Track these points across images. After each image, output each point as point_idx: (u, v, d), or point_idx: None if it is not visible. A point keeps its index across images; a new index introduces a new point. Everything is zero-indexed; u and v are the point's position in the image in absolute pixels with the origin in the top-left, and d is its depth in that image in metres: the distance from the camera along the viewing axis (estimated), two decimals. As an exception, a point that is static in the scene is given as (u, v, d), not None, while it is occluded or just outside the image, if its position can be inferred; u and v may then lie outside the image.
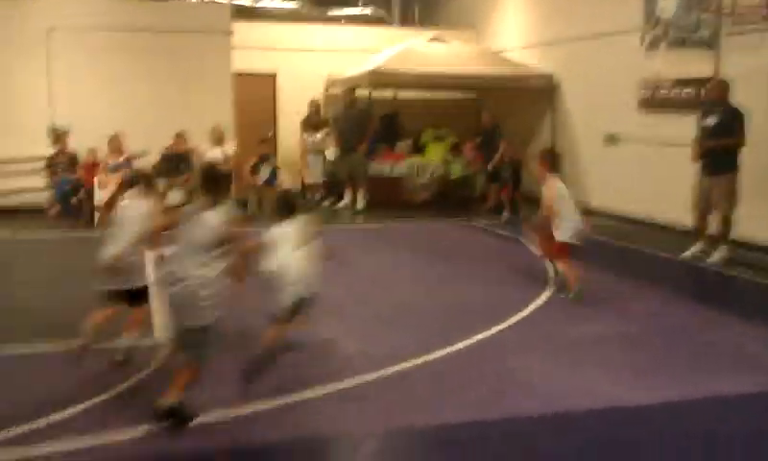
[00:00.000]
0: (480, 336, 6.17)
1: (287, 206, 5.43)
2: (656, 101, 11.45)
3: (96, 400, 4.81)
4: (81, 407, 4.68)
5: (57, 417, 4.53)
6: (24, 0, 12.98)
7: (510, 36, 15.75)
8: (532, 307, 7.07)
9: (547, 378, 5.29)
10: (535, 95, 14.42)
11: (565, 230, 7.34)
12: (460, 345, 5.94)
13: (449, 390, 5.09)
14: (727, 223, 9.03)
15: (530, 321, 6.72)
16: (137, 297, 5.56)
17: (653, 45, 11.51)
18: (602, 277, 8.38)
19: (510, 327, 6.50)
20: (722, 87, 9.18)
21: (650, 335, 6.35)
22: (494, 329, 6.36)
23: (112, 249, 5.42)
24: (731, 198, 8.92)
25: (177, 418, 4.37)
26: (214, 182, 4.67)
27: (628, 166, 11.89)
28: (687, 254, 9.26)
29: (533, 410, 4.76)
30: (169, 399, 4.38)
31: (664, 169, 11.01)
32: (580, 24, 13.22)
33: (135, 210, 5.53)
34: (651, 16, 11.52)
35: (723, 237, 9.09)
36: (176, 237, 4.57)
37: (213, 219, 4.50)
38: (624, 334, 6.37)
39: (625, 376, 5.36)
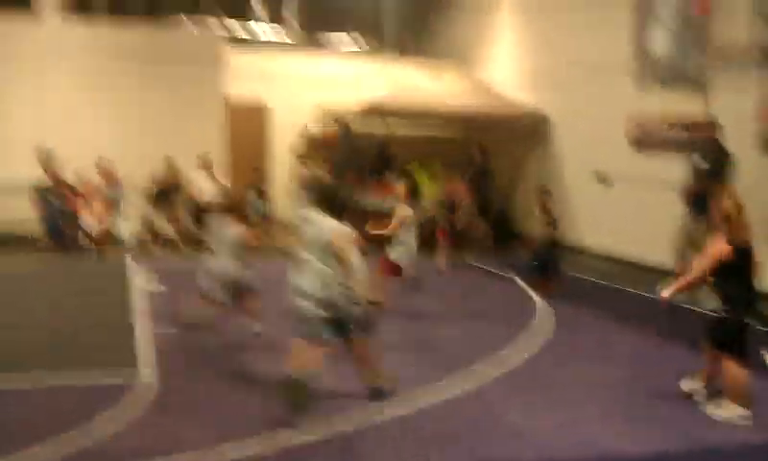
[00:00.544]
0: (468, 378, 6.15)
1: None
2: (648, 141, 11.51)
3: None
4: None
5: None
6: (20, 26, 12.98)
7: (501, 70, 15.79)
8: (519, 347, 7.06)
9: (538, 426, 5.25)
10: (526, 131, 14.45)
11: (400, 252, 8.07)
12: (447, 387, 5.92)
13: (434, 441, 5.03)
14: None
15: (518, 362, 6.70)
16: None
17: (644, 84, 11.56)
18: (591, 318, 8.39)
19: (498, 368, 6.47)
20: (710, 128, 9.29)
21: (641, 379, 6.34)
22: (483, 371, 6.35)
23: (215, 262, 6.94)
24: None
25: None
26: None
27: (619, 206, 11.90)
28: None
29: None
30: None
31: (656, 210, 11.01)
32: (570, 62, 13.23)
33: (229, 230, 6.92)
34: (642, 52, 11.60)
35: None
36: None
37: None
38: (615, 377, 6.35)
39: (617, 422, 5.34)
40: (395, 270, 8.23)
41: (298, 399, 5.13)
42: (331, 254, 5.20)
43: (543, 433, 5.12)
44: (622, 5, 11.92)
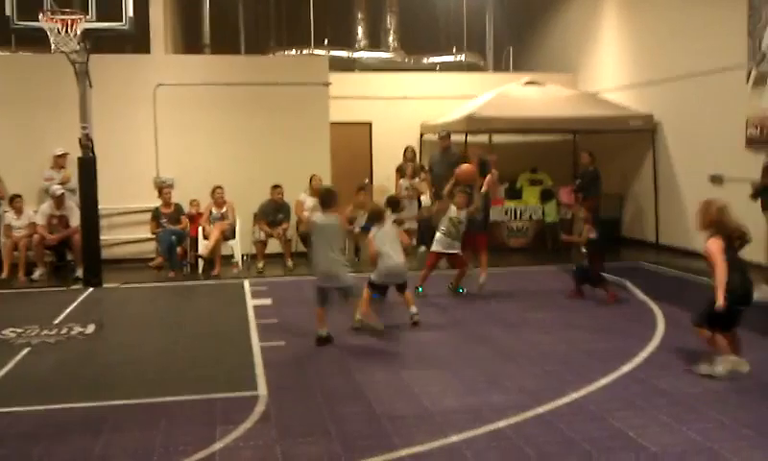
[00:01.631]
0: (584, 390, 5.98)
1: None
2: (764, 138, 11.01)
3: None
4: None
5: None
6: (134, 58, 13.64)
7: (607, 78, 15.51)
8: (639, 359, 6.81)
9: (658, 438, 5.03)
10: (634, 136, 14.11)
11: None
12: (564, 399, 5.76)
13: (551, 451, 4.91)
14: None
15: (636, 374, 6.45)
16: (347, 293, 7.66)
17: (759, 82, 11.11)
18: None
19: (614, 380, 6.26)
20: None
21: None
22: (598, 384, 6.15)
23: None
24: None
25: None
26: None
27: (734, 208, 11.37)
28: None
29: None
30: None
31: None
32: (680, 63, 12.93)
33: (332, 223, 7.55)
34: (756, 52, 11.14)
35: None
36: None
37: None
38: (741, 389, 6.03)
39: (744, 435, 5.07)
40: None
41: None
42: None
43: (663, 446, 4.91)
44: (734, 4, 11.47)
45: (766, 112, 10.92)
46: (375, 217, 8.64)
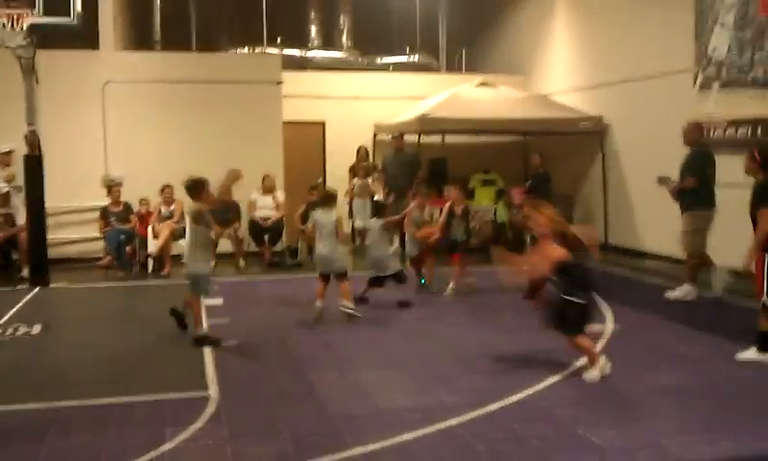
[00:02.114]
0: (533, 388, 6.03)
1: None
2: (710, 141, 11.23)
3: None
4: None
5: None
6: (82, 55, 13.39)
7: (558, 80, 15.71)
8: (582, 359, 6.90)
9: (606, 434, 5.11)
10: (584, 138, 14.31)
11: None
12: (514, 397, 5.81)
13: (502, 448, 4.95)
14: (687, 260, 9.62)
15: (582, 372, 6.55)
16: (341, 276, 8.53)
17: (705, 86, 11.35)
18: (655, 322, 8.18)
19: (563, 378, 6.34)
20: (690, 130, 9.76)
21: (713, 386, 6.14)
22: (548, 381, 6.22)
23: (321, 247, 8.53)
24: (688, 236, 9.47)
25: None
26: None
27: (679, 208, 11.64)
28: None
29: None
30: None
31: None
32: (629, 66, 13.16)
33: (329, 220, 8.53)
34: (703, 57, 11.38)
35: (686, 274, 9.52)
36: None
37: None
38: (687, 387, 6.16)
39: (692, 431, 5.18)
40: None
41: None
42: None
43: (610, 441, 4.99)
44: (682, 7, 11.71)
45: (712, 117, 11.15)
46: (324, 201, 8.95)
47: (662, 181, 9.87)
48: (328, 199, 8.91)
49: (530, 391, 5.97)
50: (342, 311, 8.44)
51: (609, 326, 8.06)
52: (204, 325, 7.63)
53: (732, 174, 9.47)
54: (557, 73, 15.83)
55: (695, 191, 9.36)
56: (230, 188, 8.71)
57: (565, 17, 15.56)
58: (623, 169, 13.53)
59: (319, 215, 8.74)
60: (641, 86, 12.82)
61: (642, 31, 12.86)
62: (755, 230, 6.76)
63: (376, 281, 9.30)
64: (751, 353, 6.63)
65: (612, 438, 5.00)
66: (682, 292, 9.47)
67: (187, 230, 8.49)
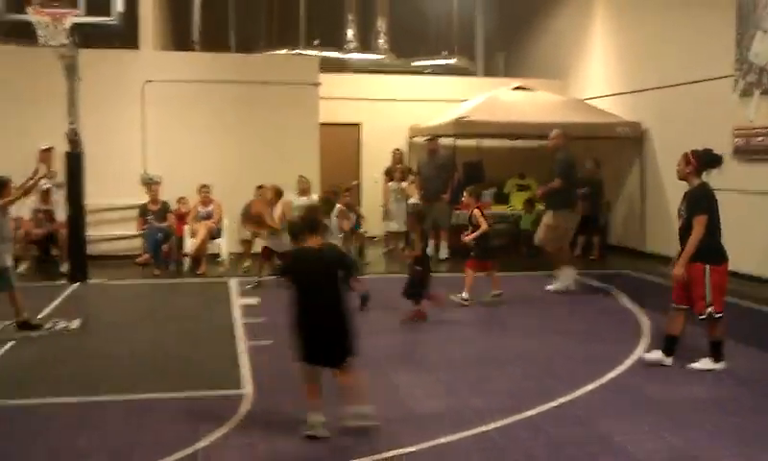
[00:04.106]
0: (568, 397, 5.98)
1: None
2: (750, 149, 11.08)
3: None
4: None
5: None
6: (122, 54, 13.56)
7: (596, 85, 15.57)
8: (624, 366, 6.82)
9: (643, 444, 5.04)
10: (622, 143, 14.16)
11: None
12: (550, 404, 5.77)
13: (537, 455, 4.92)
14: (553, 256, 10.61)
15: (622, 380, 6.47)
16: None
17: (746, 92, 11.18)
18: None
19: (600, 386, 6.27)
20: (557, 137, 10.74)
21: (754, 398, 6.04)
22: (583, 389, 6.16)
23: None
24: (548, 233, 10.45)
25: None
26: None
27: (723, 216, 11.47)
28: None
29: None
30: None
31: (757, 219, 10.59)
32: (669, 71, 12.99)
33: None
34: (744, 63, 11.21)
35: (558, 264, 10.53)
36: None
37: None
38: (725, 397, 6.07)
39: (727, 443, 5.09)
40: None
41: None
42: None
43: (647, 453, 4.93)
44: (723, 14, 11.54)
45: (753, 124, 10.98)
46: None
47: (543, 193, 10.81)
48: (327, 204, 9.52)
49: (567, 397, 5.92)
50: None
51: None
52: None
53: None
54: (595, 78, 15.69)
55: (559, 192, 10.37)
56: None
57: (604, 22, 15.42)
58: (662, 175, 13.35)
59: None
60: (681, 92, 12.65)
61: (682, 36, 12.71)
62: (682, 238, 6.81)
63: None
64: (705, 363, 6.69)
65: (649, 448, 4.94)
66: (562, 282, 10.39)
67: None
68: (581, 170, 14.15)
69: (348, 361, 5.21)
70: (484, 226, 9.52)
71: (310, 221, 5.45)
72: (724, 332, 6.74)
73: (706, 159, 6.87)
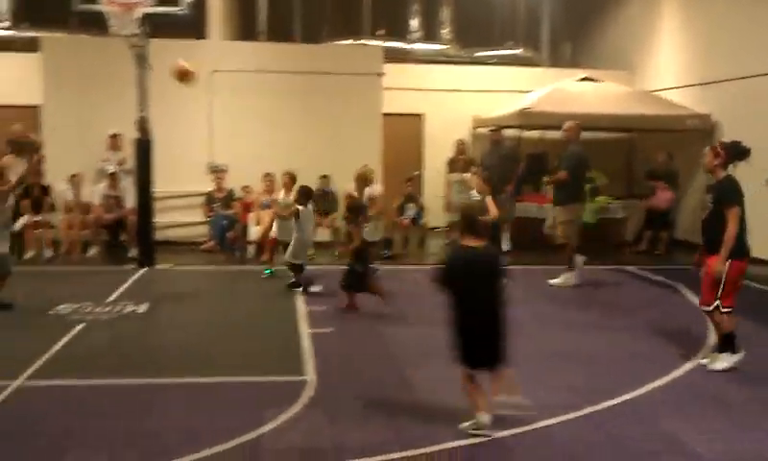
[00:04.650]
0: (635, 392, 5.90)
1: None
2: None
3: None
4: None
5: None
6: (190, 44, 13.78)
7: (665, 77, 15.22)
8: (690, 364, 6.68)
9: (711, 445, 4.94)
10: (691, 136, 13.83)
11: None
12: (614, 400, 5.69)
13: (599, 451, 4.85)
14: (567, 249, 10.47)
15: (687, 378, 6.34)
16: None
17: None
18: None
19: (666, 384, 6.16)
20: (569, 129, 10.64)
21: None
22: (648, 387, 6.06)
23: None
24: (567, 228, 10.36)
25: None
26: None
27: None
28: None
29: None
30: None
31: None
32: (740, 63, 12.63)
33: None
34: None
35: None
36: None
37: None
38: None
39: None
40: None
41: None
42: None
43: (715, 452, 4.82)
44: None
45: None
46: (304, 196, 9.66)
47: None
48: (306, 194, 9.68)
49: (631, 394, 5.83)
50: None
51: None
52: None
53: None
54: (663, 69, 15.34)
55: (566, 187, 10.31)
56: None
57: (674, 13, 15.06)
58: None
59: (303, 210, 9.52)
60: (753, 84, 12.28)
61: (754, 28, 12.33)
62: (705, 230, 6.74)
63: None
64: (725, 361, 6.43)
65: (718, 449, 4.83)
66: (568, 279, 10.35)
67: None
68: (653, 162, 13.97)
69: (504, 363, 5.10)
70: None
71: (469, 220, 5.18)
72: (733, 326, 6.47)
73: (734, 152, 6.68)
